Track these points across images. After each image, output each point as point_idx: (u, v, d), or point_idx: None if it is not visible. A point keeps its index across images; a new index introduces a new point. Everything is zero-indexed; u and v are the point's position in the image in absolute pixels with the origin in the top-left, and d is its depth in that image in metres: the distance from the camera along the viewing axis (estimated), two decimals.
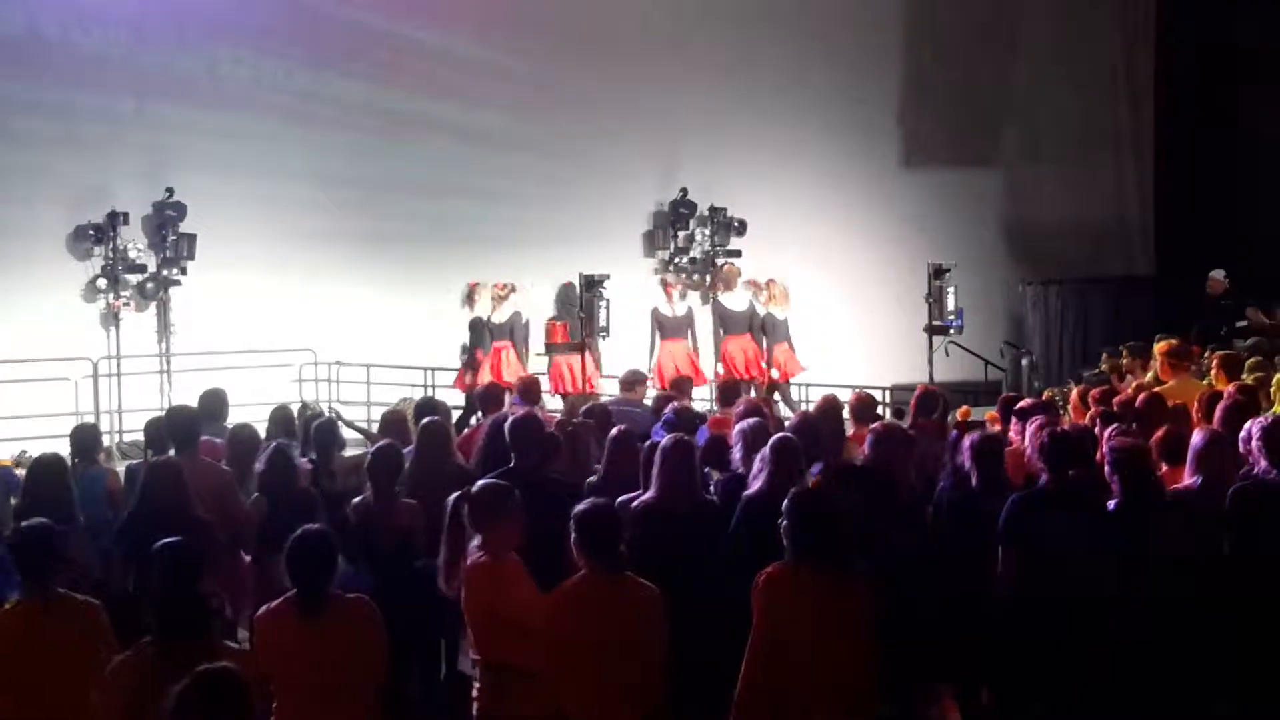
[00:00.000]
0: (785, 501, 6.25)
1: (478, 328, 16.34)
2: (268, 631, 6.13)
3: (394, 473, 8.40)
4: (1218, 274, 17.48)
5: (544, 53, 18.92)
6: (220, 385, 11.32)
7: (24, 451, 12.16)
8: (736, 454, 8.32)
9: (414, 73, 18.31)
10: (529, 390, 11.54)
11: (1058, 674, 7.02)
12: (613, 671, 6.09)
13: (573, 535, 6.23)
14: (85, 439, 10.09)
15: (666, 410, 10.44)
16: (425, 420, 9.41)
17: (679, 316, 17.02)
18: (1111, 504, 7.32)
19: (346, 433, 10.49)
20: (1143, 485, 7.28)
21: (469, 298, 16.71)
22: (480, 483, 6.82)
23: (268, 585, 8.26)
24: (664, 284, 17.41)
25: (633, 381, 13.28)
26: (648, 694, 6.15)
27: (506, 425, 8.16)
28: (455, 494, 6.79)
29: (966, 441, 7.95)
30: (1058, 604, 7.00)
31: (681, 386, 12.86)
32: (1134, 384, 11.72)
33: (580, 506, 6.33)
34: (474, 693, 6.63)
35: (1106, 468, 7.44)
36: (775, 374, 16.84)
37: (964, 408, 12.79)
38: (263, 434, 10.15)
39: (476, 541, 6.58)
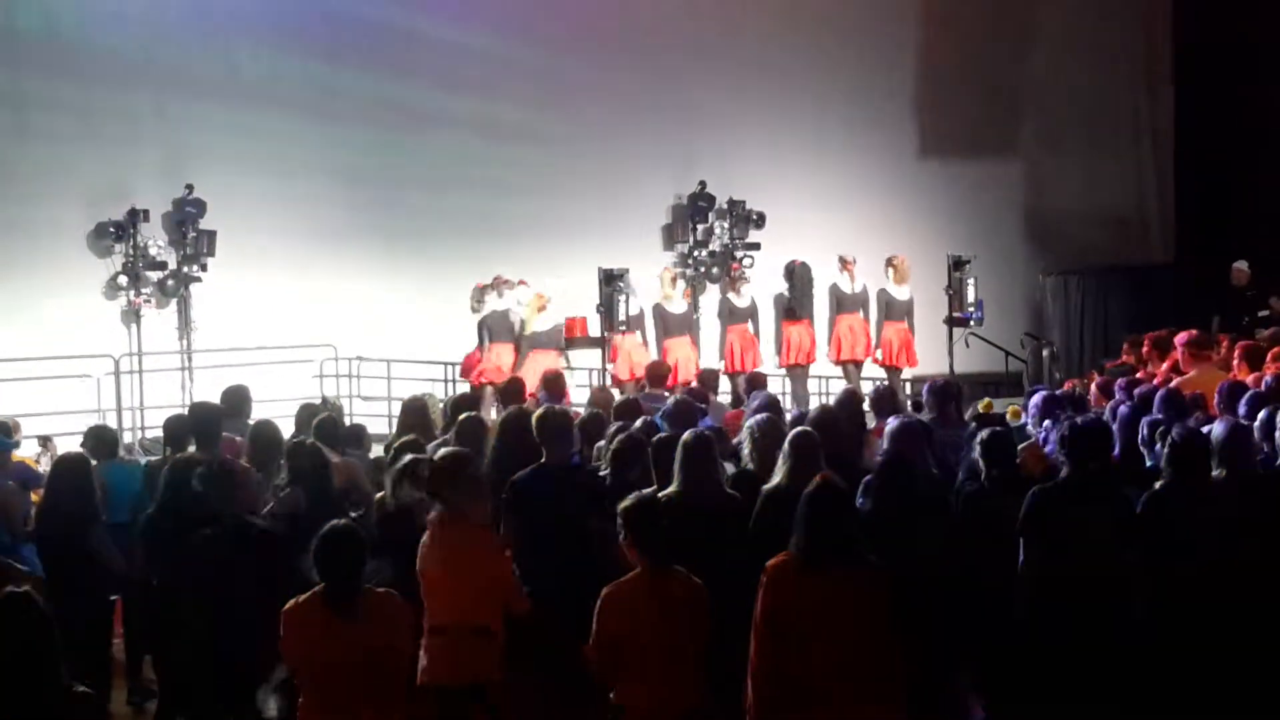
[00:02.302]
0: (800, 497, 6.25)
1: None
2: (297, 625, 6.15)
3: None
4: (1241, 265, 17.40)
5: (561, 46, 18.96)
6: (243, 382, 11.38)
7: (49, 438, 12.17)
8: (745, 449, 8.31)
9: (432, 67, 18.35)
10: (553, 385, 11.53)
11: (1079, 667, 7.00)
12: (663, 664, 6.20)
13: (620, 530, 6.35)
14: (104, 439, 10.15)
15: (668, 404, 10.38)
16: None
17: (855, 295, 17.04)
18: (1157, 486, 7.30)
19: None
20: (1194, 476, 7.24)
21: (482, 296, 16.41)
22: (446, 450, 6.92)
23: (300, 581, 8.29)
24: (843, 261, 17.09)
25: (660, 376, 13.30)
26: (695, 686, 6.28)
27: (534, 418, 8.15)
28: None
29: (977, 436, 7.95)
30: (1079, 597, 6.99)
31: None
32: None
33: (626, 501, 6.42)
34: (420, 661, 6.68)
35: (1165, 453, 7.37)
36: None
37: (986, 400, 12.76)
38: (287, 432, 10.16)
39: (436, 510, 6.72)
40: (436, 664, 6.65)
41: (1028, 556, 7.18)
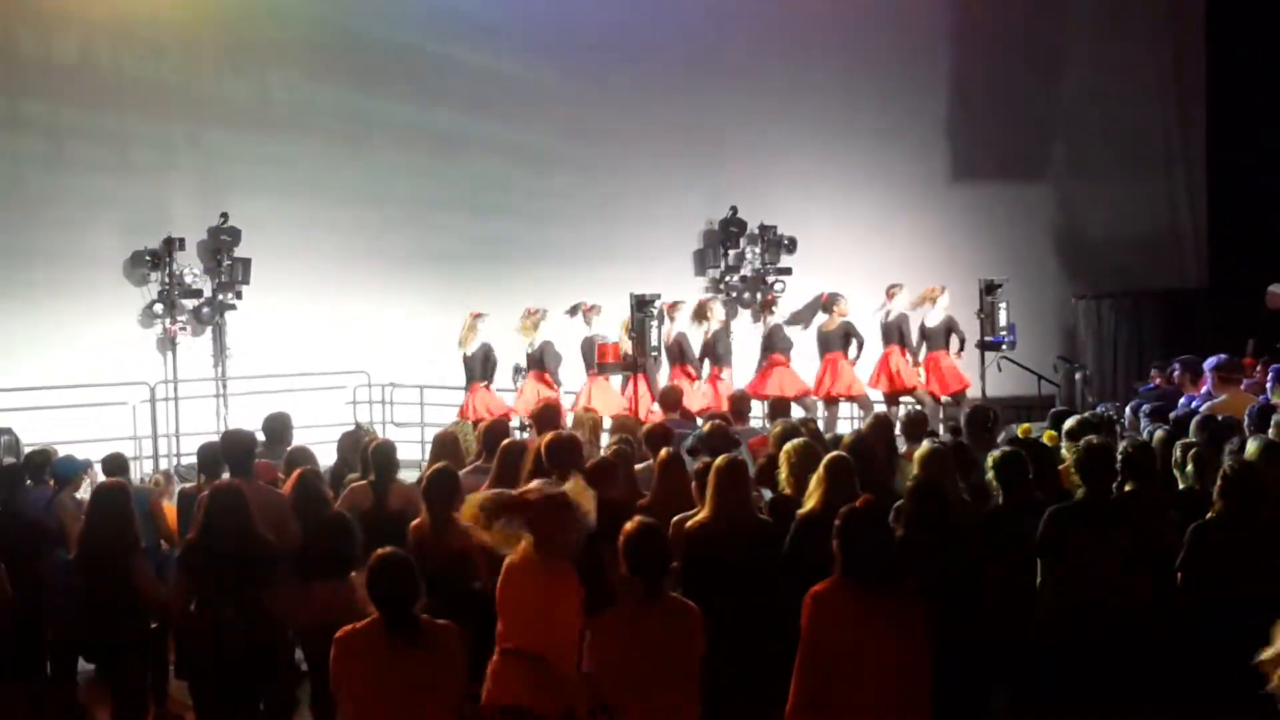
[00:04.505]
0: (836, 519, 6.27)
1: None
2: (350, 653, 6.07)
3: (448, 495, 8.46)
4: (1276, 288, 17.32)
5: (591, 72, 19.04)
6: (282, 409, 11.47)
7: (88, 465, 12.25)
8: (781, 475, 8.33)
9: (464, 94, 18.45)
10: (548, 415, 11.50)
11: (1099, 685, 7.01)
12: (657, 692, 6.11)
13: (620, 557, 6.26)
14: (116, 465, 10.30)
15: (699, 430, 10.40)
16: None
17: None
18: (1209, 516, 7.30)
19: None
20: (1247, 509, 7.22)
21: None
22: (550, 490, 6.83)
23: (305, 608, 8.34)
24: (888, 290, 17.12)
25: (675, 402, 13.31)
26: (693, 707, 6.22)
27: (543, 444, 8.20)
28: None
29: (989, 459, 7.99)
30: (1096, 616, 7.00)
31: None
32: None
33: (627, 527, 6.33)
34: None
35: (1218, 485, 7.34)
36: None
37: (1025, 425, 12.74)
38: (326, 459, 10.27)
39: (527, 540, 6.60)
40: (503, 685, 6.52)
41: (1044, 576, 7.21)
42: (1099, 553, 7.09)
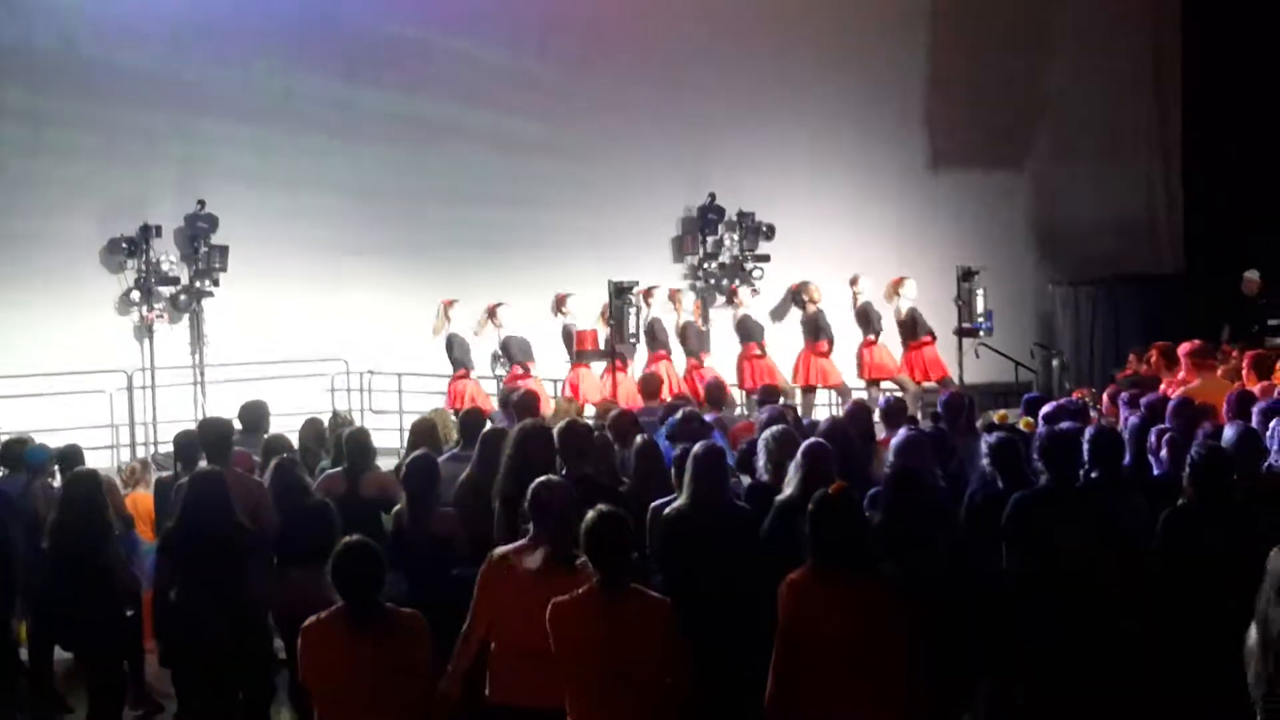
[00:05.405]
0: (809, 506, 6.26)
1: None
2: (316, 643, 6.04)
3: (430, 481, 8.46)
4: (1253, 274, 17.43)
5: (573, 60, 19.03)
6: (260, 397, 11.45)
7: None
8: (760, 461, 8.35)
9: (445, 82, 18.38)
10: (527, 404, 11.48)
11: (1067, 671, 7.03)
12: (619, 688, 5.90)
13: (581, 545, 6.10)
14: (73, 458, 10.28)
15: (671, 418, 10.44)
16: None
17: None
18: (1180, 503, 7.29)
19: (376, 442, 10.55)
20: (1219, 490, 7.20)
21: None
22: (541, 481, 6.70)
23: (289, 595, 8.36)
24: (851, 280, 17.47)
25: (655, 389, 13.32)
26: (653, 712, 6.02)
27: (556, 431, 8.20)
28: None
29: (983, 444, 8.00)
30: (1058, 602, 7.03)
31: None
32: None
33: (589, 515, 6.13)
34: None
35: (1187, 472, 7.31)
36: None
37: (1001, 411, 12.79)
38: (295, 446, 10.25)
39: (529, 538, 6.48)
40: (504, 689, 6.42)
41: (1010, 561, 7.25)
42: (1063, 540, 7.11)
